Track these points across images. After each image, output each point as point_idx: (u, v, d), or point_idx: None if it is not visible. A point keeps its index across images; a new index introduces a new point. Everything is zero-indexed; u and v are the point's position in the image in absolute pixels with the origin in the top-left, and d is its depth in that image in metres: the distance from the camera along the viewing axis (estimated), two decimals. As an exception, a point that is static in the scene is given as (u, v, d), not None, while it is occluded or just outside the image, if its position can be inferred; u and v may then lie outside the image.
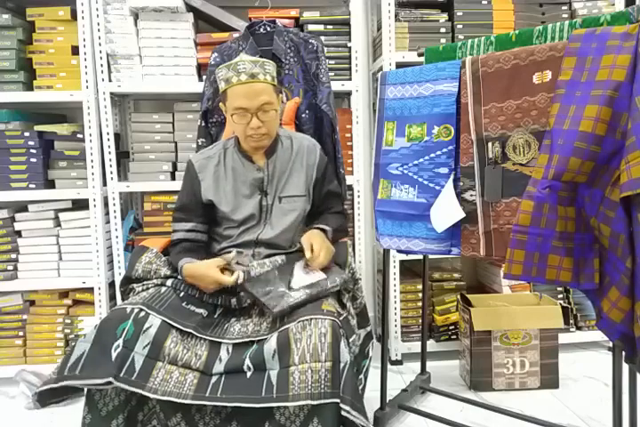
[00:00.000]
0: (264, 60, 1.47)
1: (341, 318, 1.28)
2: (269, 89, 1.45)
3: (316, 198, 1.61)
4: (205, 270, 1.38)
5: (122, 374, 1.15)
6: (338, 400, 1.12)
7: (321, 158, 1.61)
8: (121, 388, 1.18)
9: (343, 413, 1.12)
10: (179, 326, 1.26)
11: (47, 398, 1.26)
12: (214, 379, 1.20)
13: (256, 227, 1.53)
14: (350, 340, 1.29)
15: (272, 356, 1.17)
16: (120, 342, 1.18)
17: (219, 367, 1.21)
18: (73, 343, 1.35)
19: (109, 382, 1.14)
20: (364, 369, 1.45)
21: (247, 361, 1.20)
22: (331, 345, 1.16)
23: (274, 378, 1.16)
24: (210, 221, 1.57)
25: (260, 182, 1.53)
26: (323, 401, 1.11)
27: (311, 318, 1.21)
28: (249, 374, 1.18)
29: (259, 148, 1.52)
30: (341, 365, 1.15)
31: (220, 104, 1.52)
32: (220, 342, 1.27)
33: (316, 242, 1.42)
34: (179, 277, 1.44)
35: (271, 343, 1.19)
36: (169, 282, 1.42)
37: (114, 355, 1.16)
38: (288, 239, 1.54)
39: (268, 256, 1.50)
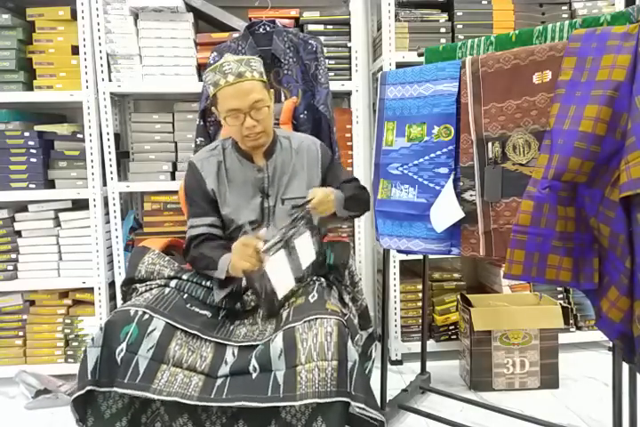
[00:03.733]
0: (249, 57, 1.45)
1: (346, 318, 1.28)
2: (258, 86, 1.42)
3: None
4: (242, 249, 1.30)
5: (126, 380, 1.15)
6: (344, 399, 1.12)
7: (323, 155, 1.57)
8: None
9: (358, 410, 1.12)
10: (183, 328, 1.25)
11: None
12: (219, 381, 1.20)
13: (259, 229, 1.50)
14: (354, 339, 1.29)
15: (278, 356, 1.17)
16: (123, 346, 1.17)
17: (224, 370, 1.21)
18: (83, 347, 1.33)
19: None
20: (367, 371, 1.45)
21: (253, 361, 1.19)
22: (337, 344, 1.16)
23: (280, 378, 1.15)
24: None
25: (261, 183, 1.52)
26: (329, 400, 1.11)
27: (317, 318, 1.21)
28: (254, 374, 1.18)
29: (257, 147, 1.50)
30: (349, 364, 1.15)
31: (213, 108, 1.49)
32: (226, 345, 1.27)
33: (317, 194, 1.38)
34: (183, 277, 1.43)
35: (277, 343, 1.19)
36: (172, 283, 1.41)
37: (118, 360, 1.17)
38: None
39: None
